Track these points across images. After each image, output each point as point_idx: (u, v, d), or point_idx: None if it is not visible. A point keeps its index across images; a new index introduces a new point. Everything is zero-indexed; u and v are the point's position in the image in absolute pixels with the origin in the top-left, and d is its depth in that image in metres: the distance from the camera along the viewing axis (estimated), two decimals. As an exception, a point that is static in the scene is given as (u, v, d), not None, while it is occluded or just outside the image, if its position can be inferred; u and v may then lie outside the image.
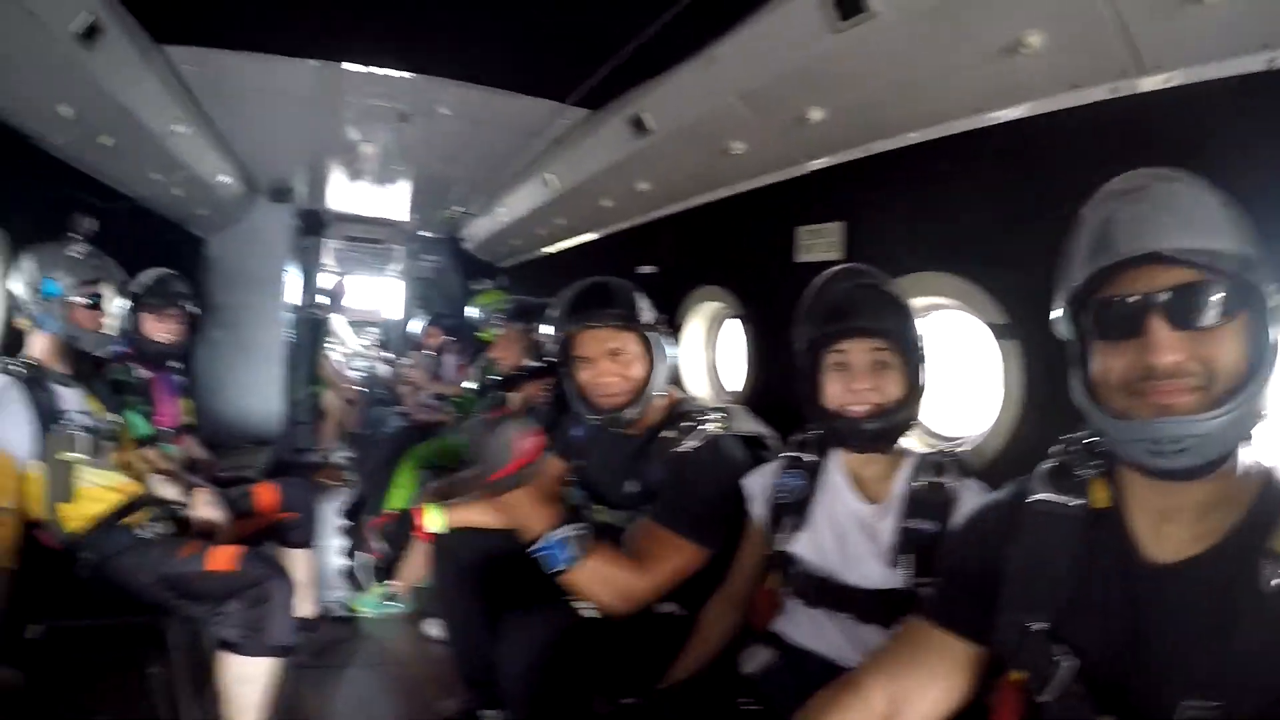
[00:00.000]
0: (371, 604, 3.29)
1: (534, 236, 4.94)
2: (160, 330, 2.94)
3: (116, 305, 2.25)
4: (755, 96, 2.17)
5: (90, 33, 2.06)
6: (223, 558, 2.05)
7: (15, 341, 2.22)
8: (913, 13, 1.59)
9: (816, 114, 2.07)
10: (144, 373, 2.87)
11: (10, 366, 2.04)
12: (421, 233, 6.89)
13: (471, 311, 4.77)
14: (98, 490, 2.09)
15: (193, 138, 3.29)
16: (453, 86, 2.97)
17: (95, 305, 2.17)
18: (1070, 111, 1.60)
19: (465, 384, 4.30)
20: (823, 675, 1.20)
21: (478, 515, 2.03)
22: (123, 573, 2.03)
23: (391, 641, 3.11)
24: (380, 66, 2.81)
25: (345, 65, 2.80)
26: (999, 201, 1.81)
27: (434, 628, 2.98)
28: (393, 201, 5.51)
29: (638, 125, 2.65)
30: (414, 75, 2.90)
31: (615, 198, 3.46)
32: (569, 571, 1.64)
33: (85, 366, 2.22)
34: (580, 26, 2.31)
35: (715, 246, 3.13)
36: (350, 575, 3.52)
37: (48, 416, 2.01)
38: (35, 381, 2.03)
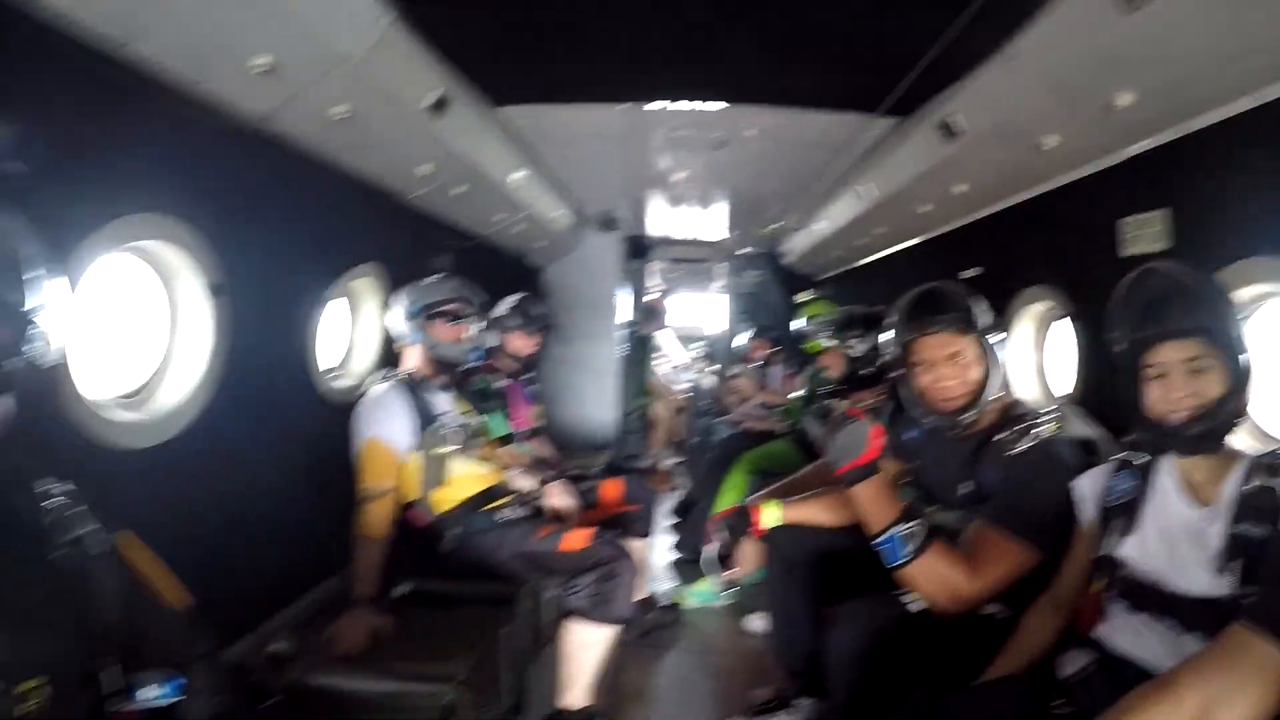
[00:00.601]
0: (703, 595, 3.47)
1: (854, 247, 4.87)
2: (522, 345, 3.47)
3: (474, 322, 2.64)
4: (1060, 88, 2.06)
5: (439, 105, 2.47)
6: (577, 539, 2.35)
7: (394, 361, 2.67)
8: None
9: (1125, 98, 1.94)
10: (502, 382, 3.38)
11: (392, 376, 2.50)
12: (741, 250, 7.10)
13: (798, 323, 4.83)
14: (464, 479, 2.46)
15: (530, 181, 3.78)
16: (760, 111, 3.07)
17: (454, 321, 2.57)
18: None
19: (792, 393, 4.35)
20: (1138, 683, 1.16)
21: (811, 513, 2.14)
22: (483, 549, 2.39)
23: (712, 631, 3.26)
24: (690, 101, 3.00)
25: (657, 105, 3.04)
26: None
27: (755, 622, 3.06)
28: (711, 222, 5.78)
29: (946, 130, 2.58)
30: (722, 106, 3.04)
31: (932, 202, 3.35)
32: (905, 566, 1.68)
33: (454, 376, 2.63)
34: (879, 39, 2.35)
35: (1038, 245, 2.93)
36: (677, 568, 3.75)
37: (424, 417, 2.42)
38: (413, 389, 2.46)
